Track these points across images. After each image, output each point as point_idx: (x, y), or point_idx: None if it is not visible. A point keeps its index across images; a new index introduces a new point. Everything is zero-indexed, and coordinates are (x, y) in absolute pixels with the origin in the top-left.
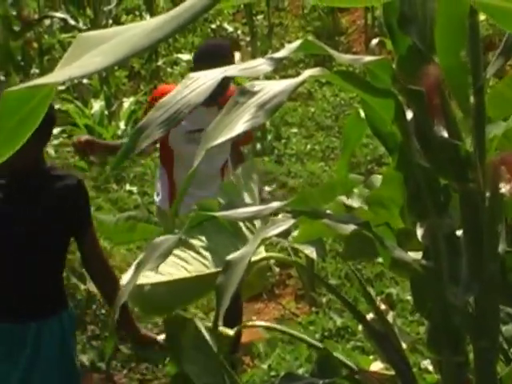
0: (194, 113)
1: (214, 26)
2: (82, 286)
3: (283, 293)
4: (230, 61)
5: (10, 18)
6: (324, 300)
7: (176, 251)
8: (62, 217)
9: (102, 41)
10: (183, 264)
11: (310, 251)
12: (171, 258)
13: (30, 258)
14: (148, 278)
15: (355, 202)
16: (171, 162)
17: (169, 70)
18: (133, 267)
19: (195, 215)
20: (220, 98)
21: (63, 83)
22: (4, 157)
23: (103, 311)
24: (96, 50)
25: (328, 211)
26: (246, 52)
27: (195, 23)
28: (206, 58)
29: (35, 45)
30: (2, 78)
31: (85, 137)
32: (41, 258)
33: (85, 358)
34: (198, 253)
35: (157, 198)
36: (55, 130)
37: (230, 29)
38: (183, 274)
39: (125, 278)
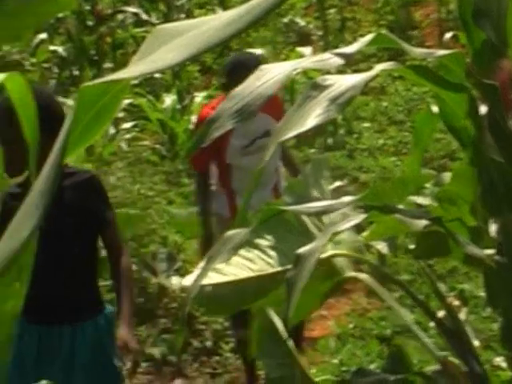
0: (242, 127)
1: (285, 20)
2: (153, 280)
3: (354, 288)
4: None
5: (84, 13)
6: (396, 296)
7: (241, 251)
8: (81, 214)
9: (177, 34)
10: (248, 264)
11: (382, 246)
12: (236, 259)
13: (58, 258)
14: (210, 278)
15: (425, 200)
16: (228, 173)
17: None
18: (200, 266)
19: (265, 210)
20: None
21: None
22: (78, 151)
23: (174, 305)
24: (170, 45)
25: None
26: (318, 46)
27: (267, 17)
28: (241, 69)
29: (108, 39)
30: (76, 72)
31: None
32: (67, 256)
33: (156, 351)
34: (264, 252)
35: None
36: (128, 125)
37: (302, 23)
38: (247, 274)
39: (190, 278)
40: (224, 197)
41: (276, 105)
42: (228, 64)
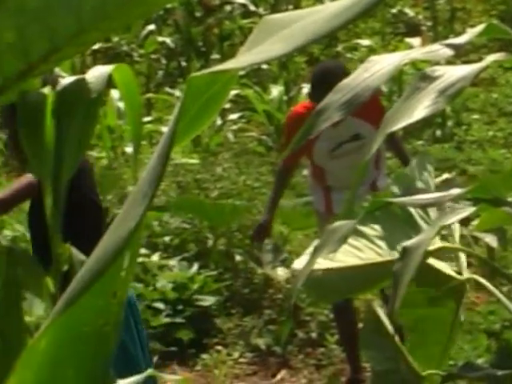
0: (329, 130)
1: (394, 11)
2: (259, 271)
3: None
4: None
5: (192, 4)
6: (505, 289)
7: (349, 239)
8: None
9: (285, 25)
10: (356, 252)
11: (491, 240)
12: (344, 246)
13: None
14: (320, 264)
15: None
16: (322, 172)
17: (348, 55)
18: (309, 251)
19: (372, 202)
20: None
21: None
22: (185, 141)
23: (280, 296)
24: (277, 36)
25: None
26: (427, 37)
27: (376, 8)
28: (330, 78)
29: (216, 30)
30: (184, 63)
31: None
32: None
33: (261, 342)
34: (371, 241)
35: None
36: (234, 115)
37: (411, 13)
38: (356, 262)
39: (300, 262)
40: (320, 192)
41: (374, 107)
42: (316, 73)
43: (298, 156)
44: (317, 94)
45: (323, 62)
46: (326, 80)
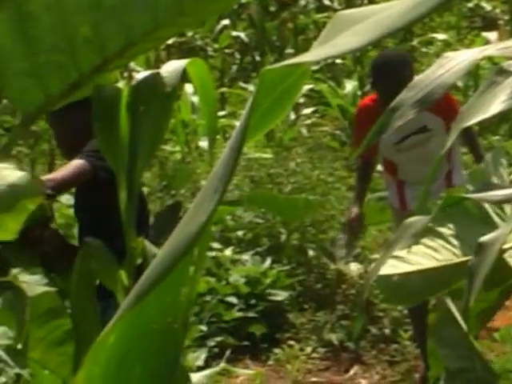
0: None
1: (470, 5)
2: (332, 266)
3: None
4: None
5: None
6: None
7: (424, 240)
8: None
9: (359, 20)
10: (432, 253)
11: None
12: (420, 248)
13: None
14: (397, 268)
15: None
16: (393, 165)
17: (423, 49)
18: (383, 250)
19: (446, 198)
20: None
21: (318, 62)
22: (258, 136)
23: (353, 291)
24: (352, 30)
25: None
26: (504, 32)
27: (452, 2)
28: (392, 66)
29: (290, 25)
30: (258, 58)
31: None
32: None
33: (334, 338)
34: (447, 241)
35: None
36: (308, 110)
37: (488, 7)
38: (433, 264)
39: (374, 263)
40: (394, 187)
41: (444, 100)
42: (377, 62)
43: (372, 149)
44: (379, 83)
45: (383, 51)
46: (387, 68)
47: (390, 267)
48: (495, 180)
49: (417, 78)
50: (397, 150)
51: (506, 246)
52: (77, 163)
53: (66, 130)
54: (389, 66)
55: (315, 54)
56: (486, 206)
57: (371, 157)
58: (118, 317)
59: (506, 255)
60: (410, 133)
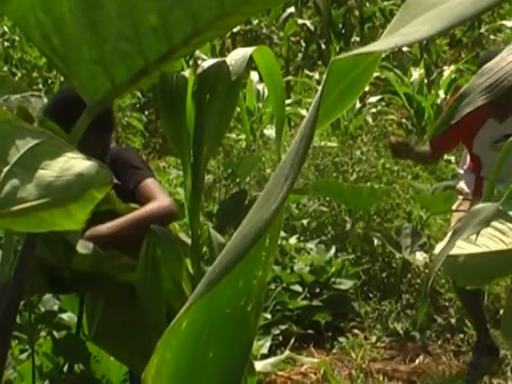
0: (494, 122)
1: None
2: (397, 255)
3: None
4: None
5: None
6: None
7: (493, 223)
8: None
9: (430, 7)
10: (500, 236)
11: None
12: (488, 230)
13: None
14: (463, 249)
15: None
16: (479, 162)
17: (492, 37)
18: (449, 234)
19: None
20: None
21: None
22: (327, 124)
23: (418, 280)
24: (422, 17)
25: None
26: None
27: None
28: None
29: (356, 13)
30: (323, 46)
31: (400, 140)
32: None
33: (399, 327)
34: None
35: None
36: (374, 99)
37: None
38: (500, 246)
39: (439, 246)
40: (472, 179)
41: None
42: (481, 61)
43: (452, 142)
44: None
45: (489, 51)
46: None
47: (457, 248)
48: None
49: (486, 65)
50: (492, 148)
51: None
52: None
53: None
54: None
55: (386, 42)
56: None
57: (444, 152)
58: (190, 303)
59: None
60: (509, 133)
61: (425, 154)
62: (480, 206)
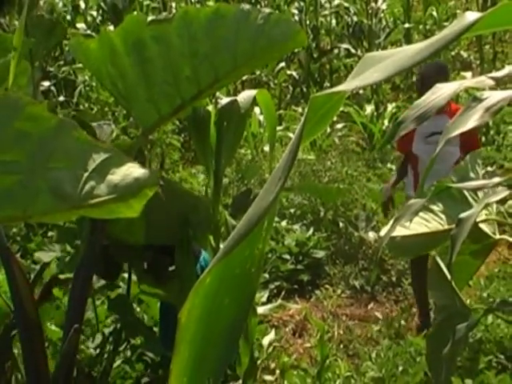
0: (428, 121)
1: (453, 53)
2: (356, 234)
3: (500, 243)
4: (449, 76)
5: (311, 48)
6: None
7: (421, 214)
8: None
9: (380, 60)
10: (425, 222)
11: None
12: (417, 219)
13: None
14: (399, 232)
15: None
16: (416, 161)
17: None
18: (391, 221)
19: (437, 186)
20: (446, 108)
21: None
22: (307, 142)
23: (370, 251)
24: (373, 68)
25: None
26: (476, 72)
27: (441, 51)
28: (441, 72)
29: (327, 66)
30: (304, 89)
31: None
32: None
33: (356, 283)
34: (436, 215)
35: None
36: (340, 125)
37: (465, 55)
38: (425, 230)
39: (384, 229)
40: (411, 179)
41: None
42: (428, 69)
43: (407, 143)
44: (426, 89)
45: (430, 63)
46: (436, 74)
47: (396, 231)
48: (472, 174)
49: (416, 102)
50: (426, 142)
51: (478, 219)
52: None
53: None
54: (444, 69)
55: (349, 84)
56: (465, 191)
57: (407, 152)
58: (212, 265)
59: (481, 225)
60: (436, 131)
61: (398, 177)
62: (412, 201)
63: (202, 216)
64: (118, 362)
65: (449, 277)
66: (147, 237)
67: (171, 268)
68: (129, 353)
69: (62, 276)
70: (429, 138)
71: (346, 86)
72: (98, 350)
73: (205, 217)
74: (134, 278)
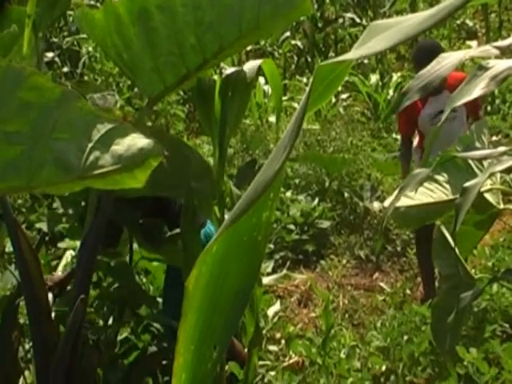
0: (433, 101)
1: (458, 22)
2: (361, 204)
3: (504, 212)
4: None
5: (315, 18)
6: None
7: (425, 184)
8: None
9: (386, 28)
10: (429, 193)
11: None
12: (421, 189)
13: None
14: (403, 202)
15: None
16: (423, 137)
17: None
18: (396, 191)
19: (442, 155)
20: (444, 84)
21: (356, 60)
22: (312, 112)
23: (375, 221)
24: (379, 37)
25: None
26: (482, 41)
27: (447, 19)
28: (431, 54)
29: (332, 36)
30: (309, 59)
31: None
32: None
33: (361, 253)
34: (441, 185)
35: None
36: (344, 95)
37: (471, 24)
38: (430, 200)
39: (389, 199)
40: (419, 154)
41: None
42: (421, 49)
43: (409, 123)
44: (423, 65)
45: (427, 40)
46: (427, 55)
47: (400, 201)
48: (477, 144)
49: (420, 71)
50: (432, 123)
51: (483, 189)
52: None
53: None
54: (432, 52)
55: (354, 53)
56: (470, 161)
57: (412, 134)
58: (219, 233)
59: (485, 194)
60: (442, 110)
61: (406, 164)
62: (417, 171)
63: (207, 184)
64: (124, 334)
65: (453, 245)
66: (151, 185)
67: (165, 232)
68: (134, 324)
69: (64, 245)
70: (435, 119)
71: (352, 55)
72: (103, 321)
73: (210, 185)
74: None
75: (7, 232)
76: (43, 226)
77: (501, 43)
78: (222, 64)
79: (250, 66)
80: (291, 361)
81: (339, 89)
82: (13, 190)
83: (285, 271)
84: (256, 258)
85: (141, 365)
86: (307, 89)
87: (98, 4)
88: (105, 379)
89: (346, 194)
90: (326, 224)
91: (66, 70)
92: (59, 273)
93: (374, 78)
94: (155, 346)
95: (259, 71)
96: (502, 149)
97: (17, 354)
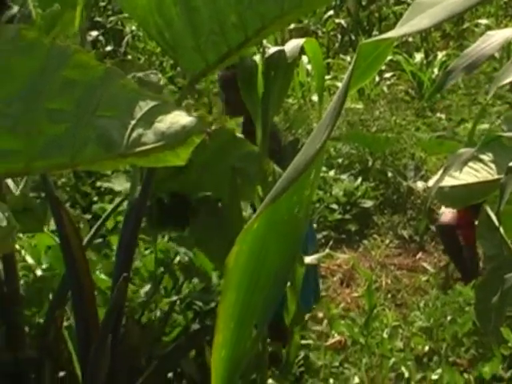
0: None
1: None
2: (404, 183)
3: None
4: None
5: None
6: None
7: (470, 163)
8: None
9: (431, 5)
10: (475, 173)
11: None
12: (466, 169)
13: None
14: (448, 182)
15: None
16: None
17: (471, 31)
18: (440, 170)
19: (487, 135)
20: None
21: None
22: (354, 90)
23: (418, 201)
24: (423, 14)
25: None
26: None
27: None
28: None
29: (376, 14)
30: (353, 37)
31: None
32: None
33: (405, 233)
34: (486, 165)
35: None
36: (388, 74)
37: None
38: (474, 180)
39: (433, 179)
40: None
41: None
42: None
43: None
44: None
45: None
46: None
47: (445, 181)
48: None
49: (466, 50)
50: None
51: None
52: None
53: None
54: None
55: (398, 31)
56: None
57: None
58: (260, 211)
59: None
60: None
61: None
62: (462, 150)
63: (253, 168)
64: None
65: (497, 225)
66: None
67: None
68: (178, 301)
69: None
70: None
71: (395, 32)
72: (146, 298)
73: (255, 169)
74: None
75: (50, 210)
76: (115, 184)
77: None
78: (264, 42)
79: (292, 45)
80: (333, 340)
81: (383, 68)
82: (56, 168)
83: (327, 250)
84: (296, 235)
85: (184, 342)
86: (350, 67)
87: None
88: (148, 356)
89: (389, 174)
90: (368, 203)
91: (109, 48)
92: None
93: (418, 56)
94: (198, 324)
95: (302, 50)
96: None
97: (60, 330)
